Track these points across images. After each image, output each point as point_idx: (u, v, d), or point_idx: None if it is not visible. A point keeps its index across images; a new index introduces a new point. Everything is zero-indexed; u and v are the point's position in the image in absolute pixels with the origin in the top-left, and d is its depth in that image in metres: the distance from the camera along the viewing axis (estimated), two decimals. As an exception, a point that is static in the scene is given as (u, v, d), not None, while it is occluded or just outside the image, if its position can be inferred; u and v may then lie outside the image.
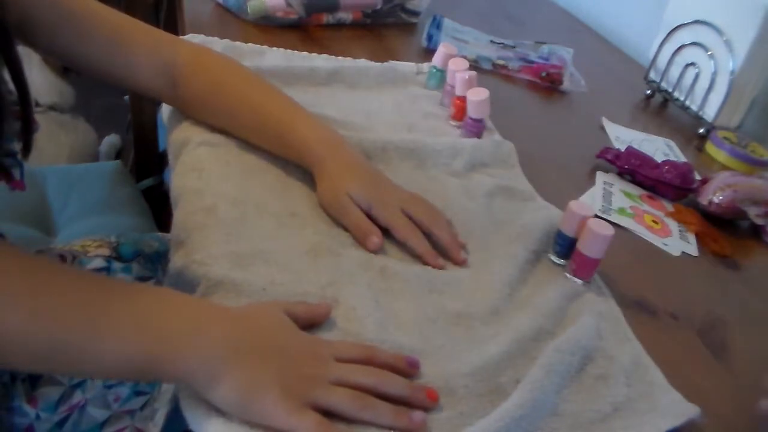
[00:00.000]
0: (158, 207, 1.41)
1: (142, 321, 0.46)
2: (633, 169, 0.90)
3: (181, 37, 0.86)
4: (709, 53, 1.10)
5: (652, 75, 1.22)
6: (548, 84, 1.14)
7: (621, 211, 0.83)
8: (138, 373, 0.47)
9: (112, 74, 0.70)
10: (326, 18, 1.09)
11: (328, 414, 0.47)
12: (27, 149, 0.60)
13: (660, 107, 1.22)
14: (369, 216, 0.65)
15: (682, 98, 1.16)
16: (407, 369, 0.52)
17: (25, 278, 0.44)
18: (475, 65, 1.10)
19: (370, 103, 0.90)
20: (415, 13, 1.19)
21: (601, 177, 0.90)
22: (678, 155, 1.04)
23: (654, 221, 0.84)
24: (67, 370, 0.61)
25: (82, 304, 0.45)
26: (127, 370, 0.47)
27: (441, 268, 0.64)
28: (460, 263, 0.65)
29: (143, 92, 0.74)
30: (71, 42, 0.67)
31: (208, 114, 0.73)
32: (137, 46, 0.70)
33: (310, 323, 0.54)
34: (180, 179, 0.67)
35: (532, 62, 1.17)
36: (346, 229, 0.66)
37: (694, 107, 1.14)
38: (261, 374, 0.46)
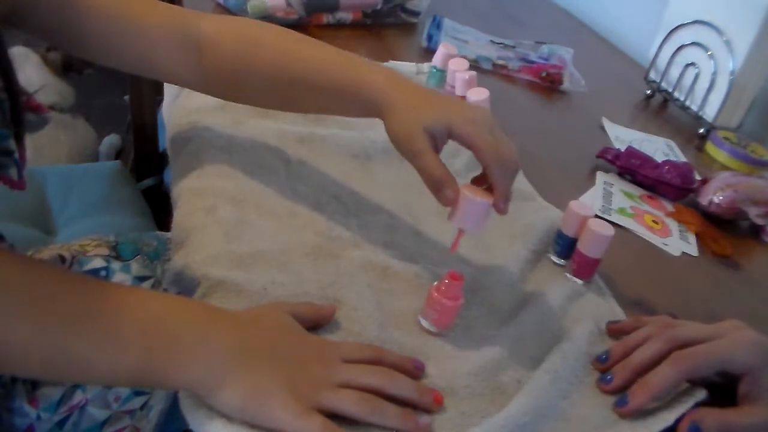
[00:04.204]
0: (158, 207, 1.41)
1: (147, 330, 0.46)
2: (633, 169, 0.90)
3: None
4: (709, 53, 1.10)
5: (652, 75, 1.22)
6: (548, 84, 1.13)
7: (621, 211, 0.83)
8: (141, 381, 0.47)
9: (125, 56, 0.64)
10: (326, 18, 1.09)
11: (335, 416, 0.47)
12: (19, 141, 0.59)
13: (660, 107, 1.22)
14: (452, 135, 0.57)
15: (682, 98, 1.16)
16: (413, 371, 0.52)
17: (29, 287, 0.44)
18: (475, 65, 1.10)
19: (370, 103, 0.90)
20: (415, 13, 1.19)
21: (601, 177, 0.90)
22: (678, 155, 1.04)
23: (654, 221, 0.84)
24: (71, 378, 0.61)
25: (86, 312, 0.45)
26: (131, 379, 0.47)
27: (503, 213, 0.57)
28: (502, 213, 0.57)
29: (161, 73, 0.67)
30: (74, 26, 0.61)
31: (243, 80, 0.65)
32: (150, 20, 0.63)
33: (315, 324, 0.54)
34: (180, 179, 0.67)
35: (532, 62, 1.16)
36: (348, 229, 0.66)
37: (694, 107, 1.14)
38: (267, 378, 0.46)
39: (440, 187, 0.55)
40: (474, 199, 0.55)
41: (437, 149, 0.57)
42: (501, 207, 0.57)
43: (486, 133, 0.56)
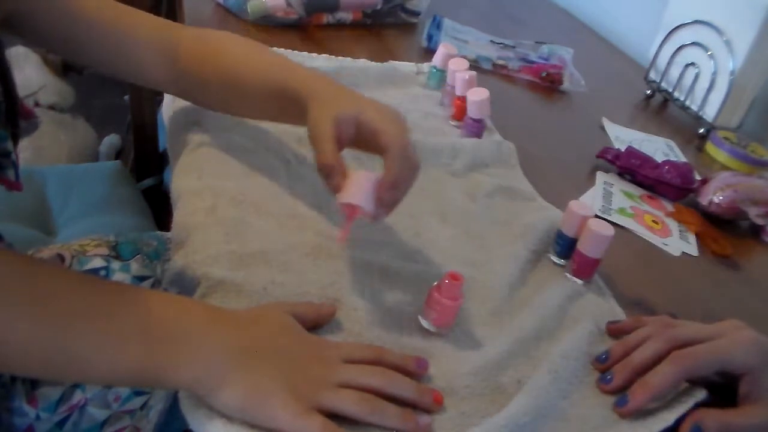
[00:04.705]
0: (158, 207, 1.41)
1: (147, 329, 0.46)
2: (633, 169, 0.90)
3: None
4: (709, 53, 1.10)
5: (652, 75, 1.22)
6: (548, 84, 1.13)
7: (621, 211, 0.83)
8: (141, 380, 0.47)
9: (111, 62, 0.68)
10: (326, 18, 1.09)
11: (335, 416, 0.47)
12: (15, 142, 0.59)
13: (660, 107, 1.22)
14: (359, 124, 0.58)
15: (682, 98, 1.16)
16: (416, 370, 0.52)
17: (29, 286, 0.44)
18: (475, 65, 1.10)
19: (370, 103, 0.90)
20: (415, 13, 1.19)
21: (601, 177, 0.90)
22: (678, 155, 1.04)
23: (654, 221, 0.84)
24: (71, 377, 0.61)
25: (86, 311, 0.45)
26: (131, 378, 0.47)
27: (384, 197, 0.56)
28: (384, 197, 0.57)
29: (147, 80, 0.71)
30: (67, 32, 0.65)
31: (208, 86, 0.69)
32: (137, 30, 0.68)
33: (315, 324, 0.54)
34: (180, 179, 0.67)
35: (532, 62, 1.17)
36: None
37: (694, 107, 1.14)
38: (267, 378, 0.46)
39: (330, 174, 0.56)
40: (361, 172, 0.55)
41: (342, 138, 0.58)
42: (385, 189, 0.55)
43: (394, 124, 0.58)
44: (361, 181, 0.55)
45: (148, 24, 0.69)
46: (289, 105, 0.63)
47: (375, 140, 0.57)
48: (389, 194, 0.56)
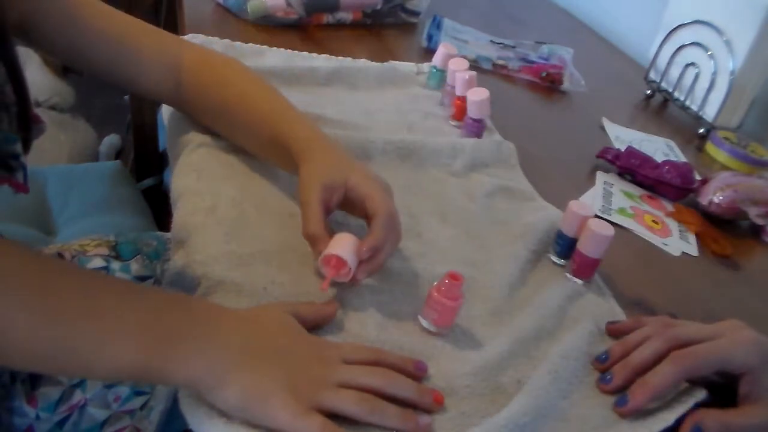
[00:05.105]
0: (158, 207, 1.41)
1: (149, 325, 0.46)
2: (633, 169, 0.90)
3: (182, 37, 0.86)
4: (709, 53, 1.10)
5: (652, 75, 1.22)
6: (548, 84, 1.14)
7: (621, 211, 0.83)
8: (141, 377, 0.47)
9: (116, 75, 0.70)
10: (326, 18, 1.09)
11: (335, 416, 0.47)
12: (26, 147, 0.60)
13: (660, 107, 1.22)
14: (348, 190, 0.60)
15: (682, 98, 1.16)
16: (414, 372, 0.52)
17: (33, 279, 0.44)
18: (475, 65, 1.10)
19: (370, 103, 0.90)
20: (415, 13, 1.19)
21: (601, 177, 0.90)
22: (678, 155, 1.04)
23: (654, 221, 0.84)
24: (71, 372, 0.61)
25: (89, 306, 0.45)
26: (131, 374, 0.47)
27: (361, 256, 0.58)
28: (361, 255, 0.58)
29: (146, 93, 0.73)
30: (76, 43, 0.66)
31: (207, 112, 0.72)
32: (143, 48, 0.69)
33: (317, 324, 0.54)
34: (180, 180, 0.67)
35: (532, 62, 1.17)
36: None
37: (694, 107, 1.14)
38: (267, 377, 0.46)
39: (313, 242, 0.57)
40: (344, 233, 0.57)
41: (330, 204, 0.60)
42: (366, 250, 0.56)
43: (381, 191, 0.60)
44: (345, 239, 0.57)
45: (152, 40, 0.70)
46: (281, 154, 0.65)
47: (362, 205, 0.59)
48: (368, 255, 0.57)
